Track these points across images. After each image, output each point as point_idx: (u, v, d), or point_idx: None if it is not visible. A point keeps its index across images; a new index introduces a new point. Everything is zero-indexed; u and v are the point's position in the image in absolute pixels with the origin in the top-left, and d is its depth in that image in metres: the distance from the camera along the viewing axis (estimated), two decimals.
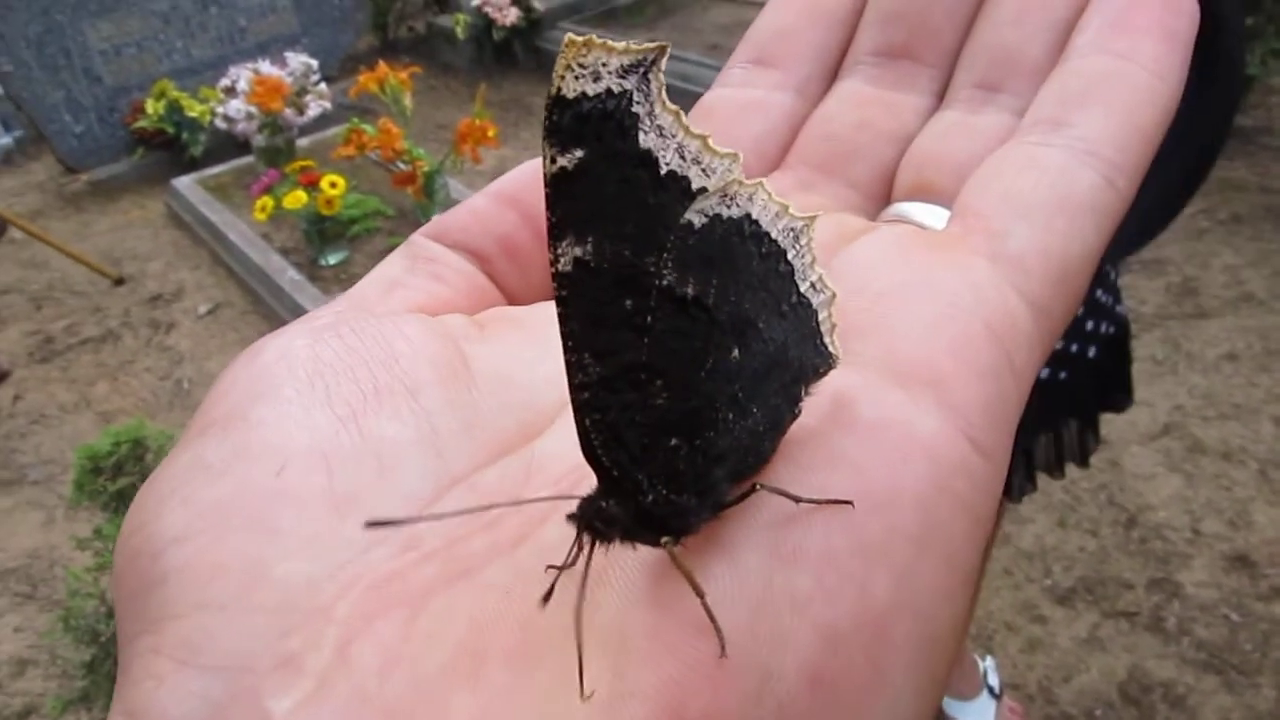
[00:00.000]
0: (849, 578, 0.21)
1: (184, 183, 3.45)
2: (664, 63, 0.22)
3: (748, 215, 0.24)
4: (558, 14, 4.62)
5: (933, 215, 0.31)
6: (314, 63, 3.49)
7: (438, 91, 4.43)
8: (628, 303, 0.22)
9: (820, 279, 0.25)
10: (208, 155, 3.65)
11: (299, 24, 4.19)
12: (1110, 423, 2.10)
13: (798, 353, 0.24)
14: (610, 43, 0.21)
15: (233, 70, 3.45)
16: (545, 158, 0.21)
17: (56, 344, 2.96)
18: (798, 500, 0.22)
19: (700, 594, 0.20)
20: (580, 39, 0.21)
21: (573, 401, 0.22)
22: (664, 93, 0.22)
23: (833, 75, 0.36)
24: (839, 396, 0.24)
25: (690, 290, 0.22)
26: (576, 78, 0.21)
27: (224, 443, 0.24)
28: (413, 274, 0.29)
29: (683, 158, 0.22)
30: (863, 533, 0.21)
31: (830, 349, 0.25)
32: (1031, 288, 0.26)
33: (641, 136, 0.22)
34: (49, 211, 3.76)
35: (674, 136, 0.22)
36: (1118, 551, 1.92)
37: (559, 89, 0.21)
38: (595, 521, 0.22)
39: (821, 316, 0.25)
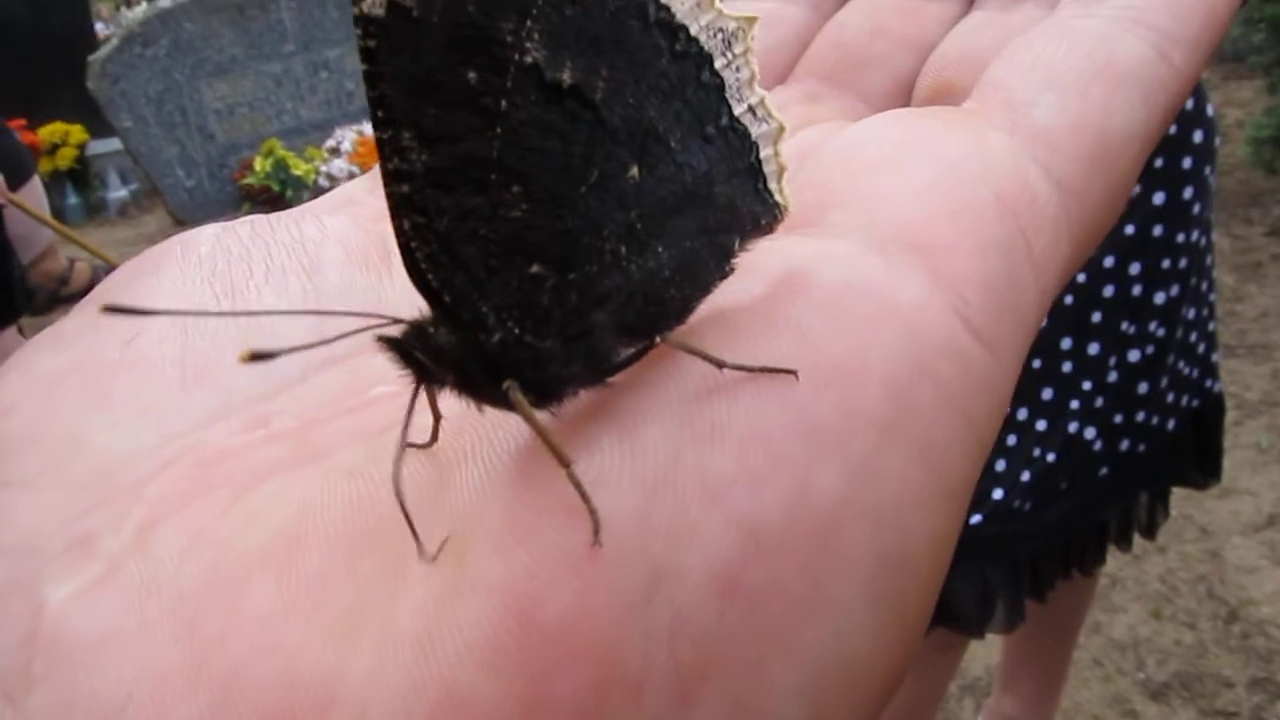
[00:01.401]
0: (784, 463, 0.16)
1: None
2: None
3: None
4: None
5: None
6: None
7: None
8: (470, 75, 0.17)
9: (762, 104, 0.20)
10: None
11: None
12: (1211, 512, 2.02)
13: (729, 192, 0.20)
14: None
15: (338, 131, 3.58)
16: None
17: None
18: (720, 365, 0.17)
19: (565, 463, 0.16)
20: None
21: (386, 195, 0.17)
22: None
23: None
24: (800, 262, 0.19)
25: (567, 77, 0.17)
26: None
27: (85, 316, 0.22)
28: (371, 194, 0.26)
29: None
30: (807, 410, 0.17)
31: (775, 196, 0.20)
32: (1059, 165, 0.22)
33: None
34: None
35: None
36: (1217, 647, 1.83)
37: None
38: (417, 352, 0.18)
39: (764, 153, 0.20)
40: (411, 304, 0.19)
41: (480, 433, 0.18)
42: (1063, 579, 1.19)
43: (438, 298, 0.18)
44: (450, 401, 0.19)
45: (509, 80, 0.17)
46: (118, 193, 4.41)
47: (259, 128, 4.06)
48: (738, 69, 0.20)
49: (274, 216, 0.24)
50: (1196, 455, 1.22)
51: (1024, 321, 0.20)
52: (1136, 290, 1.12)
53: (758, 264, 0.20)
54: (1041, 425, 1.11)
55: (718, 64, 0.20)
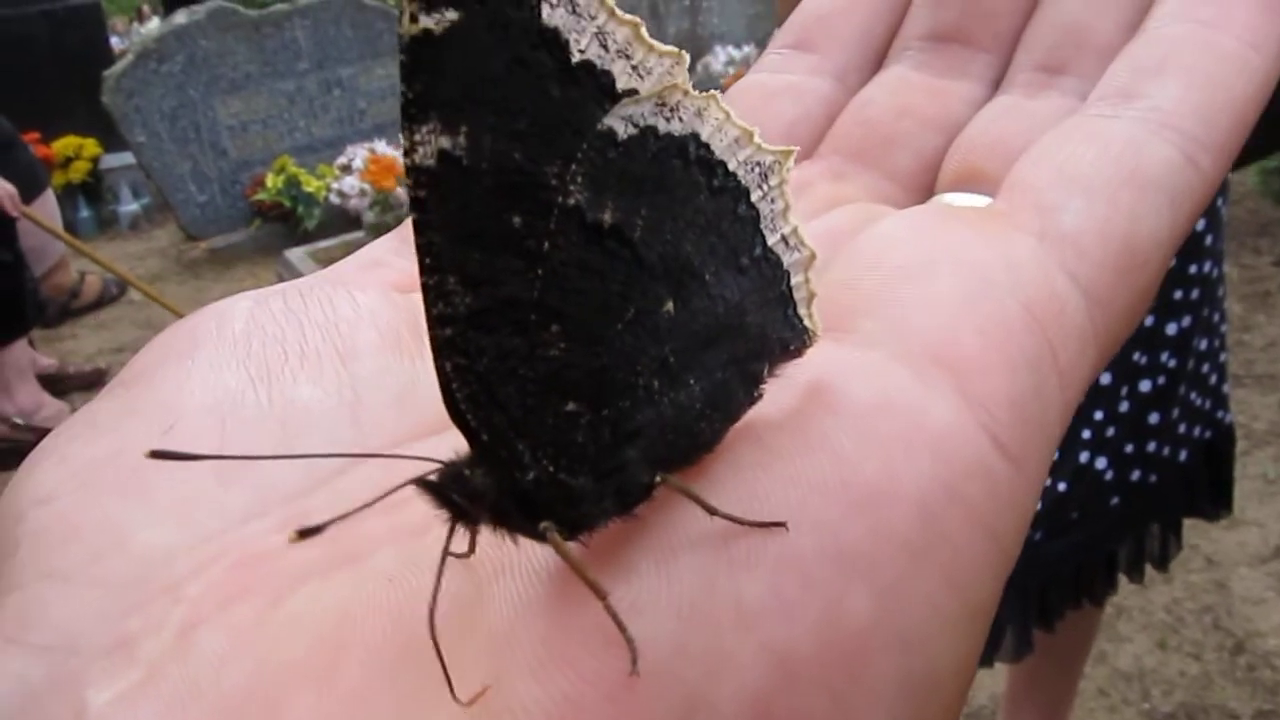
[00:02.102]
0: (816, 588, 0.16)
1: (296, 254, 3.56)
2: None
3: (694, 135, 0.19)
4: None
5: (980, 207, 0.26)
6: None
7: None
8: (515, 220, 0.17)
9: (795, 232, 0.20)
10: (320, 229, 3.77)
11: None
12: (1218, 543, 2.01)
13: (760, 320, 0.20)
14: None
15: (350, 149, 3.59)
16: (404, 14, 0.16)
17: None
18: (712, 513, 0.17)
19: (602, 595, 0.16)
20: None
21: (431, 339, 0.17)
22: None
23: (878, 63, 0.32)
24: (830, 373, 0.19)
25: (608, 217, 0.18)
26: None
27: (118, 400, 0.22)
28: (398, 255, 0.26)
29: (604, 47, 0.18)
30: (840, 535, 0.17)
31: (805, 322, 0.20)
32: (1087, 272, 0.21)
33: (545, 9, 0.17)
34: (168, 276, 3.91)
35: (593, 17, 0.17)
36: (1223, 678, 1.82)
37: None
38: (454, 494, 0.18)
39: (795, 280, 0.20)
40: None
41: (517, 547, 0.19)
42: (1073, 609, 1.19)
43: (475, 437, 0.18)
44: None
45: (552, 222, 0.17)
46: (130, 207, 4.42)
47: (271, 144, 4.08)
48: (773, 200, 0.20)
49: (308, 287, 0.24)
50: (1208, 486, 1.22)
51: (1049, 434, 0.20)
52: (1148, 321, 1.12)
53: (789, 373, 0.20)
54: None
55: (754, 196, 0.20)
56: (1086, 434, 1.12)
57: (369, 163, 3.49)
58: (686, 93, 0.19)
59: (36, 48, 4.39)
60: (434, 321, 0.17)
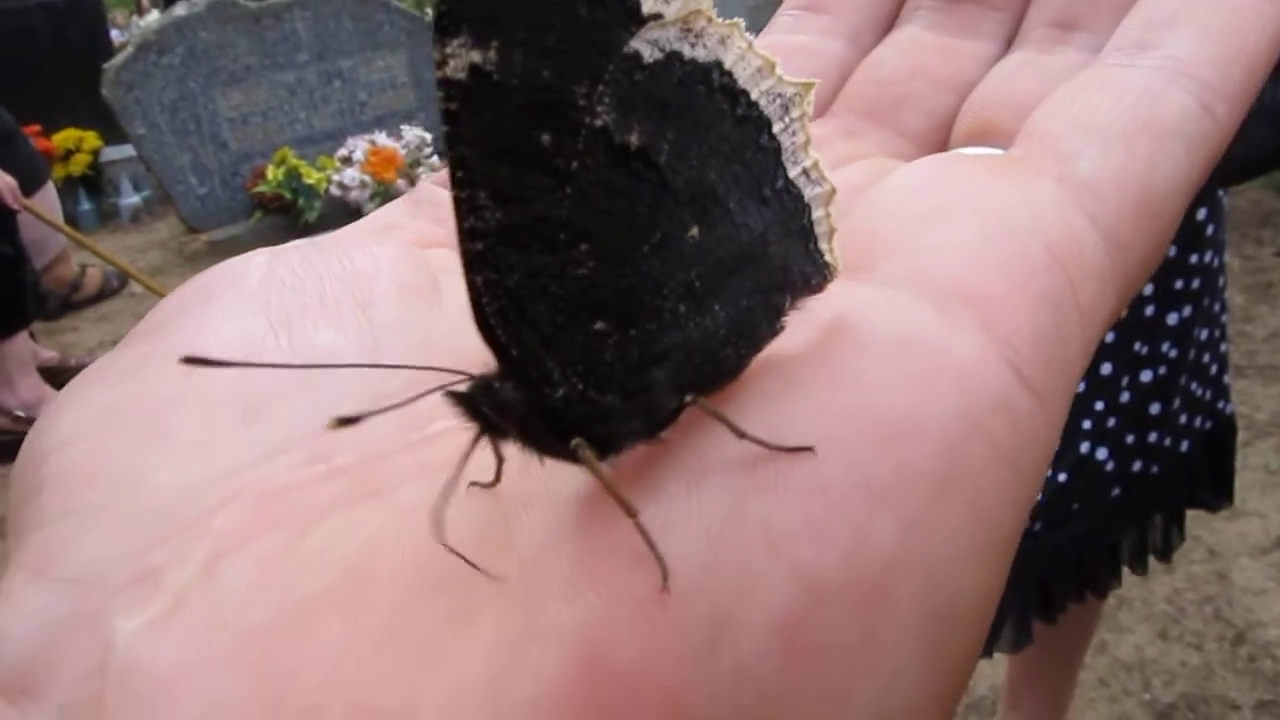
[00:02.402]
0: (844, 517, 0.17)
1: None
2: None
3: (718, 62, 0.19)
4: None
5: None
6: (428, 136, 3.61)
7: None
8: (544, 138, 0.17)
9: (815, 166, 0.21)
10: (321, 221, 3.77)
11: (416, 100, 4.32)
12: (1220, 533, 2.01)
13: (782, 252, 0.20)
14: None
15: (350, 141, 3.60)
16: None
17: None
18: (741, 435, 0.17)
19: (632, 513, 0.17)
20: None
21: (461, 252, 0.17)
22: None
23: (889, 23, 0.32)
24: (853, 309, 0.19)
25: (634, 139, 0.18)
26: None
27: (139, 349, 0.22)
28: (412, 216, 0.27)
29: None
30: (867, 465, 0.17)
31: (826, 257, 0.21)
32: (1105, 216, 0.22)
33: None
34: (168, 268, 3.91)
35: None
36: (1224, 669, 1.82)
37: None
38: (483, 406, 0.18)
39: (816, 214, 0.21)
40: (462, 336, 0.19)
41: (543, 475, 0.19)
42: (1075, 601, 1.19)
43: (505, 353, 0.18)
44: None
45: (580, 142, 0.18)
46: (130, 199, 4.42)
47: (271, 136, 4.07)
48: (794, 133, 0.21)
49: (323, 243, 0.24)
50: (1209, 477, 1.22)
51: (1070, 372, 0.20)
52: (1149, 311, 1.12)
53: (811, 311, 0.20)
54: None
55: (776, 128, 0.20)
56: (1087, 424, 1.12)
57: (369, 154, 3.49)
58: (710, 19, 0.19)
59: (37, 41, 4.38)
60: (465, 235, 0.17)
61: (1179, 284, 1.12)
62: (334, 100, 4.17)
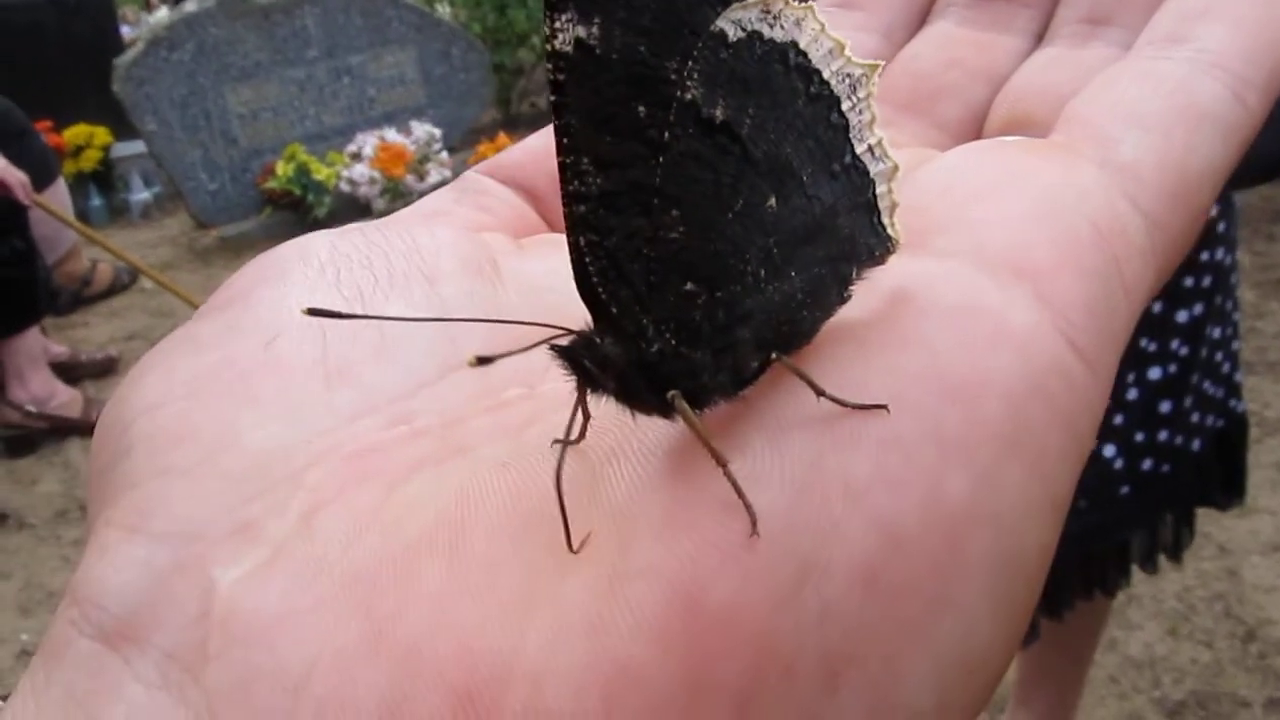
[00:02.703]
0: (919, 469, 0.18)
1: None
2: None
3: (793, 42, 0.20)
4: None
5: None
6: (437, 132, 3.62)
7: None
8: (640, 109, 0.19)
9: (880, 144, 0.22)
10: (331, 216, 3.78)
11: (425, 96, 4.33)
12: (1230, 530, 2.01)
13: (849, 224, 0.21)
14: None
15: (360, 137, 3.60)
16: None
17: None
18: (820, 394, 0.18)
19: (722, 463, 0.18)
20: None
21: (565, 214, 0.19)
22: None
23: (922, 20, 0.34)
24: (915, 280, 0.21)
25: (719, 113, 0.19)
26: None
27: (218, 320, 0.23)
28: (459, 204, 0.28)
29: None
30: (939, 422, 0.18)
31: (889, 230, 0.22)
32: (1146, 198, 0.23)
33: None
34: (179, 264, 3.92)
35: None
36: (1234, 666, 1.82)
37: None
38: (586, 360, 0.19)
39: (880, 190, 0.22)
40: (524, 312, 0.21)
41: (624, 433, 0.20)
42: (1084, 599, 1.19)
43: (605, 310, 0.19)
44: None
45: (671, 114, 0.19)
46: (141, 195, 4.43)
47: (281, 132, 4.09)
48: (860, 111, 0.22)
49: (383, 225, 0.25)
50: (1220, 475, 1.21)
51: (1116, 343, 0.21)
52: (1157, 308, 1.11)
53: (873, 281, 0.21)
54: None
55: (845, 106, 0.22)
56: None
57: (379, 150, 3.50)
58: (788, 2, 0.20)
59: (47, 37, 4.39)
60: (569, 198, 0.19)
61: (1189, 281, 1.12)
62: (343, 96, 4.18)
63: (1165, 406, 1.12)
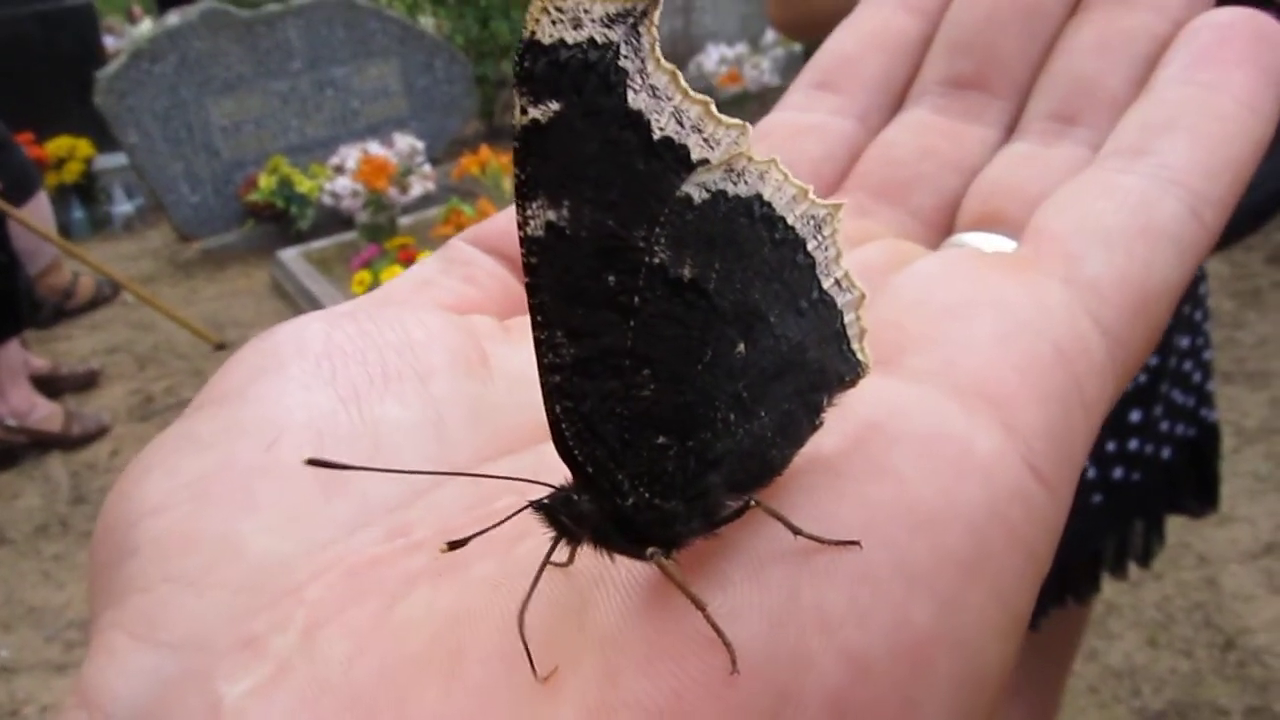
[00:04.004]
0: (887, 600, 0.19)
1: (289, 254, 3.56)
2: (656, 15, 0.19)
3: (758, 195, 0.21)
4: None
5: (1000, 247, 0.29)
6: (420, 144, 3.62)
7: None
8: (610, 279, 0.19)
9: (846, 276, 0.23)
10: (314, 229, 3.77)
11: (409, 108, 4.33)
12: (1209, 539, 2.02)
13: (819, 356, 0.22)
14: None
15: (343, 149, 3.60)
16: (516, 108, 0.19)
17: (156, 404, 3.05)
18: (796, 532, 0.19)
19: (701, 606, 0.18)
20: None
21: (542, 385, 0.20)
22: (658, 49, 0.20)
23: (897, 105, 0.35)
24: (887, 405, 0.22)
25: (687, 272, 0.20)
26: (554, 22, 0.19)
27: (217, 417, 0.23)
28: (446, 275, 0.29)
29: (680, 123, 0.20)
30: (906, 552, 0.19)
31: (858, 355, 0.22)
32: (1107, 316, 0.24)
33: (631, 95, 0.19)
34: (161, 277, 3.91)
35: (670, 99, 0.20)
36: (1213, 675, 1.83)
37: (533, 33, 0.19)
38: (563, 516, 0.20)
39: (848, 319, 0.23)
40: (510, 410, 0.23)
41: (614, 564, 0.21)
42: (1058, 607, 1.19)
43: (581, 469, 0.20)
44: None
45: (641, 279, 0.20)
46: (123, 207, 4.42)
47: (264, 145, 4.08)
48: (826, 248, 0.22)
49: (374, 310, 0.26)
50: (1192, 484, 1.22)
51: (1076, 461, 0.23)
52: None
53: (848, 403, 0.22)
54: None
55: (810, 246, 0.22)
56: None
57: (362, 163, 3.49)
58: (751, 159, 0.21)
59: (30, 49, 4.38)
60: (545, 370, 0.19)
61: None
62: (326, 108, 4.18)
63: (1135, 415, 1.13)
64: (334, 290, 3.24)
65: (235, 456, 0.22)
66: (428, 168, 3.59)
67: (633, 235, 0.20)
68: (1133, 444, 1.13)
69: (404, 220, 3.52)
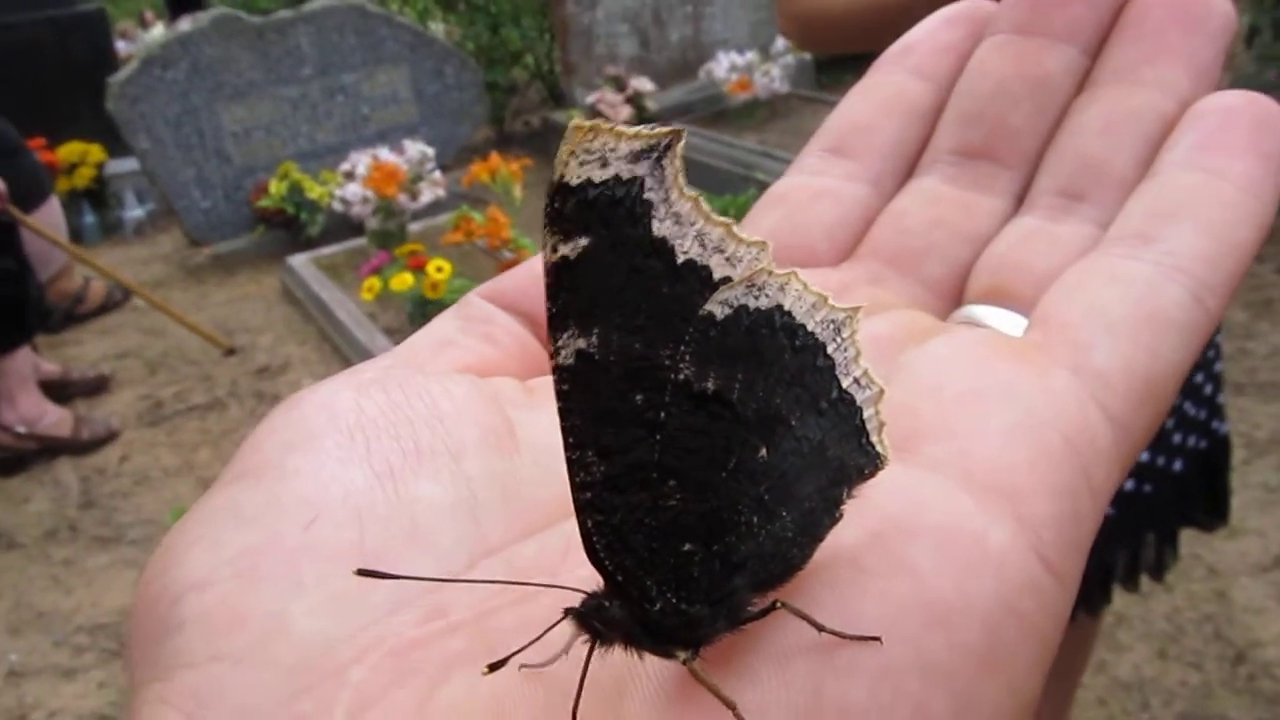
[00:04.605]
0: (906, 696, 0.19)
1: (299, 260, 3.57)
2: (680, 147, 0.20)
3: (778, 306, 0.22)
4: (669, 114, 4.72)
5: (1008, 321, 0.30)
6: (430, 151, 3.62)
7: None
8: (638, 398, 0.20)
9: (866, 374, 0.23)
10: (324, 235, 3.78)
11: (419, 115, 4.34)
12: (1219, 552, 2.01)
13: (838, 453, 0.23)
14: (621, 128, 0.20)
15: (353, 155, 3.61)
16: (545, 246, 0.20)
17: (165, 409, 3.06)
18: (820, 629, 0.20)
19: (731, 705, 0.19)
20: (587, 124, 0.20)
21: (574, 501, 0.20)
22: (681, 178, 0.21)
23: (909, 171, 0.36)
24: (904, 498, 0.23)
25: (710, 385, 0.21)
26: (581, 164, 0.20)
27: (256, 490, 0.23)
28: (465, 334, 0.29)
29: (703, 246, 0.21)
30: (924, 648, 0.20)
31: (877, 448, 0.23)
32: (1114, 404, 0.25)
33: (655, 224, 0.20)
34: (171, 282, 3.92)
35: (692, 224, 0.21)
36: (1223, 689, 1.82)
37: (562, 175, 0.20)
38: (595, 622, 0.21)
39: (867, 414, 0.23)
40: (538, 485, 0.24)
41: (643, 662, 0.21)
42: (1069, 619, 1.19)
43: (612, 578, 0.21)
44: None
45: (666, 395, 0.20)
46: (134, 212, 4.43)
47: (275, 151, 4.09)
48: (845, 349, 0.23)
49: (402, 379, 0.26)
50: (1204, 496, 1.22)
51: (1083, 549, 0.23)
52: None
53: (868, 494, 0.23)
54: None
55: (830, 349, 0.23)
56: None
57: (372, 169, 3.49)
58: (771, 273, 0.22)
59: (43, 55, 4.40)
60: (576, 488, 0.20)
61: None
62: (336, 115, 4.19)
63: None
64: (343, 296, 3.25)
65: (276, 534, 0.22)
66: (438, 174, 3.59)
67: (659, 355, 0.20)
68: (1144, 456, 1.13)
69: (414, 227, 3.53)
